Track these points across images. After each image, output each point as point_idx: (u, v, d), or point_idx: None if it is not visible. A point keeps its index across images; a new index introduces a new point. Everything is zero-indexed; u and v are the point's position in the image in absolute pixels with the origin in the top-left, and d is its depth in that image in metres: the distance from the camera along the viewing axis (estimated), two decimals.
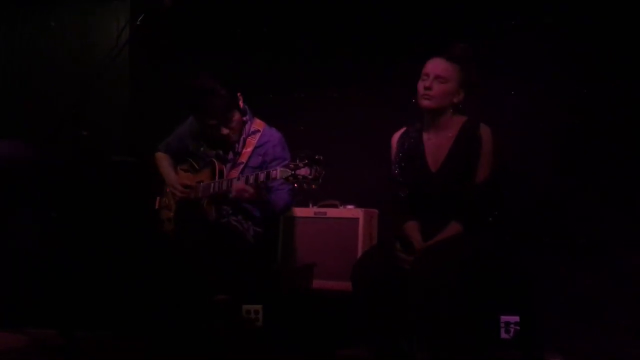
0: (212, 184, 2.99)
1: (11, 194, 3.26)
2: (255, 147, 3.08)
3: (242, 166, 3.06)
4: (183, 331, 2.80)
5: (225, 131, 3.01)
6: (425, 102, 2.59)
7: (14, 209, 3.24)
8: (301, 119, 3.78)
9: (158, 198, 3.23)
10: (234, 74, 3.62)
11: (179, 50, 3.94)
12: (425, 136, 2.70)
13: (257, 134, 3.11)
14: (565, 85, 3.22)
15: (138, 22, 2.62)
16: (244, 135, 3.10)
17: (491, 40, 3.27)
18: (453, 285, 2.34)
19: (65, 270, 3.07)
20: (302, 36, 3.80)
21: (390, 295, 2.45)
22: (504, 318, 2.58)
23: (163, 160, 3.25)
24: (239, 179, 2.89)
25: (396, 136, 2.80)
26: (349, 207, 3.42)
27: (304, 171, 2.54)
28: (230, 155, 3.10)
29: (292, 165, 2.57)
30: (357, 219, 3.32)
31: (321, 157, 2.53)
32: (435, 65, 2.60)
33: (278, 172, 2.66)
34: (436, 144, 2.65)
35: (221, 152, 3.11)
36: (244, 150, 3.09)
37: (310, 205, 3.49)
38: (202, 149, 3.15)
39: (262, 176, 2.74)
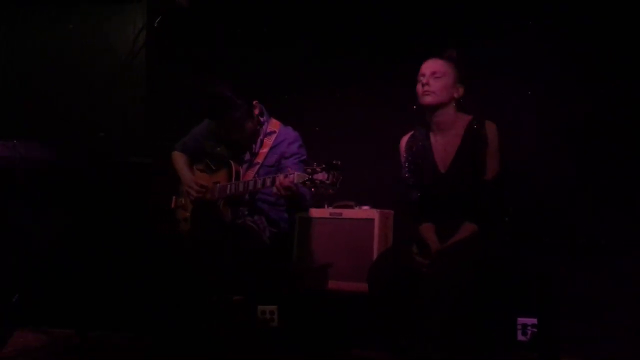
0: (229, 186, 3.00)
1: (29, 195, 3.29)
2: (272, 147, 3.09)
3: (258, 167, 3.08)
4: (198, 331, 2.81)
5: (238, 136, 3.03)
6: (427, 99, 2.62)
7: (32, 210, 3.27)
8: (317, 119, 3.79)
9: (174, 197, 3.25)
10: (250, 74, 3.65)
11: (195, 52, 3.96)
12: (432, 138, 2.71)
13: (273, 135, 3.12)
14: (565, 84, 3.21)
15: (156, 24, 2.64)
16: (260, 136, 3.11)
17: (495, 39, 3.29)
18: (470, 287, 2.33)
19: (83, 270, 3.10)
20: (319, 36, 3.80)
21: (407, 297, 2.44)
22: (520, 320, 2.56)
23: (179, 160, 3.27)
24: (255, 180, 2.90)
25: (404, 140, 2.82)
26: (365, 207, 3.41)
27: (321, 176, 2.55)
28: (247, 156, 3.11)
29: (309, 170, 2.58)
30: (373, 219, 3.30)
31: (339, 162, 2.55)
32: (429, 64, 2.66)
33: (295, 176, 2.66)
34: (443, 145, 2.67)
35: (237, 153, 3.12)
36: (260, 151, 3.11)
37: (326, 205, 3.48)
38: (218, 149, 3.16)
39: (281, 177, 2.74)
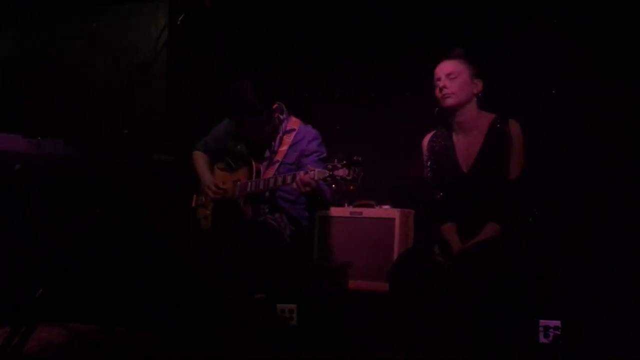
0: (249, 183, 3.01)
1: (54, 192, 3.33)
2: (291, 145, 3.09)
3: (278, 164, 3.08)
4: (218, 329, 2.82)
5: (257, 136, 3.05)
6: (448, 101, 2.60)
7: (57, 206, 3.30)
8: (337, 118, 3.78)
9: (195, 196, 3.27)
10: (271, 72, 3.65)
11: (217, 50, 3.98)
12: (454, 137, 2.69)
13: (293, 132, 3.12)
14: (582, 84, 3.18)
15: (178, 22, 2.65)
16: (280, 134, 3.11)
17: (515, 36, 3.26)
18: (492, 288, 2.31)
19: (106, 267, 3.12)
20: (342, 35, 3.80)
21: (429, 298, 2.43)
22: (542, 322, 2.53)
23: (200, 159, 3.29)
24: (275, 177, 2.90)
25: (426, 139, 2.80)
26: (385, 207, 3.40)
27: (342, 172, 2.55)
28: (267, 154, 3.12)
29: (330, 166, 2.58)
30: (393, 219, 3.29)
31: (359, 158, 2.54)
32: (442, 67, 2.65)
33: (316, 172, 2.66)
34: (466, 144, 2.65)
35: (257, 151, 3.12)
36: (280, 149, 3.11)
37: (346, 204, 3.48)
38: (238, 147, 3.17)
39: (301, 174, 2.74)
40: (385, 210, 3.36)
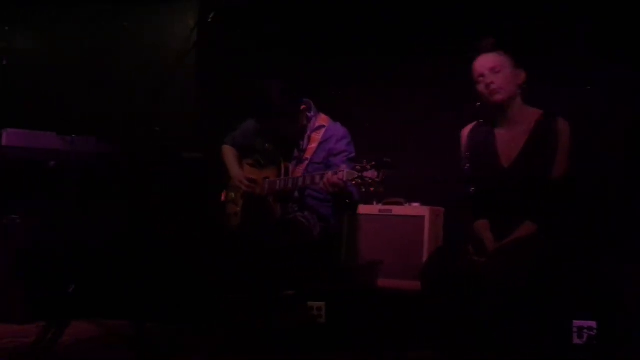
0: (278, 181, 3.00)
1: (86, 188, 3.38)
2: (320, 143, 3.07)
3: (306, 163, 3.06)
4: (249, 326, 2.82)
5: (284, 136, 3.05)
6: (497, 97, 2.52)
7: (89, 203, 3.35)
8: (366, 114, 3.76)
9: (224, 192, 3.27)
10: (299, 69, 3.65)
11: (246, 47, 3.99)
12: (497, 131, 2.61)
13: (322, 130, 3.09)
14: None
15: (209, 20, 2.66)
16: (308, 132, 3.10)
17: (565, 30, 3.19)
18: (526, 288, 2.27)
19: (138, 262, 3.15)
20: (370, 32, 3.78)
21: (461, 297, 2.39)
22: (577, 323, 2.49)
23: (229, 153, 3.28)
24: (303, 176, 2.89)
25: (466, 130, 2.71)
26: (415, 204, 3.37)
27: (371, 173, 2.52)
28: (295, 153, 3.11)
29: (359, 167, 2.56)
30: (423, 217, 3.27)
31: (389, 160, 2.51)
32: (483, 62, 2.55)
33: (345, 173, 2.64)
34: (509, 139, 2.56)
35: (286, 149, 3.12)
36: (308, 147, 3.09)
37: (375, 202, 3.46)
38: (266, 145, 3.17)
39: (330, 174, 2.72)
40: (415, 208, 3.34)
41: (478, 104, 2.60)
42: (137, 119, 2.90)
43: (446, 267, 2.45)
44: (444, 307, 2.39)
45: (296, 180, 2.92)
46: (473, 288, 2.34)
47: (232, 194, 3.23)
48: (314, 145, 3.08)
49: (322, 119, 3.14)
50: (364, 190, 2.58)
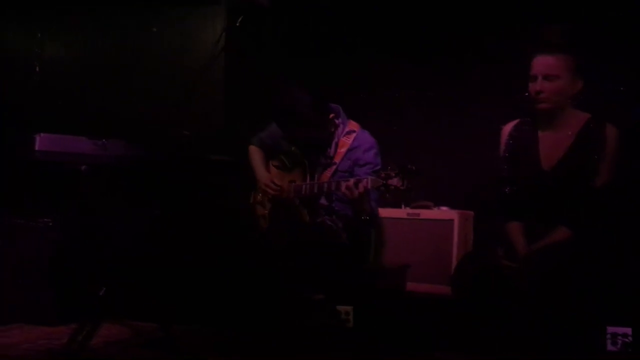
0: (304, 186, 2.99)
1: (116, 191, 3.41)
2: (348, 150, 3.04)
3: (334, 168, 3.04)
4: (276, 328, 2.82)
5: (309, 142, 3.03)
6: (541, 106, 2.44)
7: (119, 206, 3.39)
8: (394, 118, 3.75)
9: (252, 193, 3.27)
10: (328, 73, 3.64)
11: (274, 50, 4.00)
12: (540, 131, 2.52)
13: (352, 134, 3.06)
14: None
15: (238, 24, 2.67)
16: (335, 139, 3.07)
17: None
18: (558, 294, 2.22)
19: (166, 265, 3.18)
20: (398, 37, 3.76)
21: (492, 301, 2.35)
22: (610, 329, 2.43)
23: (255, 155, 3.27)
24: (329, 182, 2.88)
25: (507, 128, 2.62)
26: (443, 208, 3.35)
27: (395, 181, 2.48)
28: (322, 159, 3.09)
29: (383, 175, 2.52)
30: (452, 220, 3.25)
31: (413, 167, 2.46)
32: (541, 64, 2.44)
33: (369, 181, 2.61)
34: (553, 141, 2.48)
35: (313, 153, 3.11)
36: (338, 151, 3.07)
37: (403, 206, 3.44)
38: (292, 149, 3.16)
39: (351, 182, 2.70)
40: (444, 212, 3.32)
41: (526, 94, 2.50)
42: (166, 123, 2.93)
43: (477, 272, 2.41)
44: (475, 312, 2.36)
45: (322, 186, 2.91)
46: (504, 293, 2.30)
47: (260, 195, 3.23)
48: (343, 149, 3.05)
49: (352, 125, 3.12)
50: (388, 196, 2.55)
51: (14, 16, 4.32)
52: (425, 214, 3.35)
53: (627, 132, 2.44)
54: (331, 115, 3.02)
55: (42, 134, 3.29)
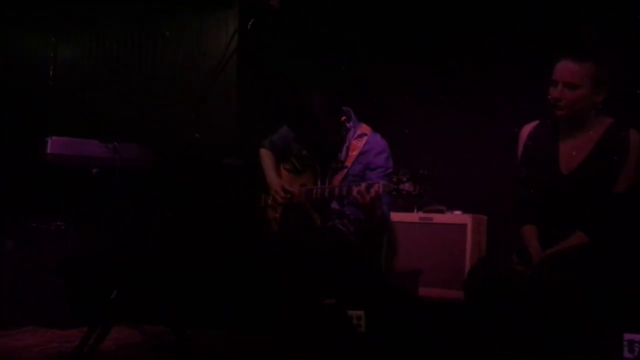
0: (314, 190, 2.97)
1: (128, 194, 3.41)
2: (360, 154, 3.02)
3: (345, 172, 3.02)
4: (287, 333, 2.81)
5: (321, 145, 3.01)
6: (558, 112, 2.38)
7: (131, 209, 3.39)
8: (406, 122, 3.72)
9: (263, 196, 3.26)
10: (340, 76, 3.63)
11: (286, 53, 4.00)
12: (560, 134, 2.45)
13: (364, 138, 3.05)
14: None
15: (249, 27, 2.67)
16: (347, 143, 3.05)
17: None
18: (573, 300, 2.18)
19: (178, 268, 3.17)
20: (412, 40, 3.74)
21: (507, 309, 2.31)
22: (627, 336, 2.38)
23: (266, 158, 3.26)
24: (340, 186, 2.86)
25: (526, 129, 2.55)
26: (456, 212, 3.32)
27: (407, 186, 2.47)
28: (333, 164, 3.07)
29: (395, 179, 2.50)
30: (465, 225, 3.22)
31: (425, 172, 2.44)
32: (563, 71, 2.35)
33: (381, 186, 2.59)
34: (573, 145, 2.41)
35: (324, 156, 3.09)
36: (349, 154, 3.05)
37: (416, 210, 3.42)
38: (303, 152, 3.14)
39: (363, 187, 2.68)
40: (457, 216, 3.28)
41: (548, 97, 2.41)
42: (178, 126, 2.93)
43: (491, 278, 2.37)
44: (488, 318, 2.32)
45: (333, 190, 2.89)
46: (518, 300, 2.26)
47: (270, 199, 3.22)
48: (354, 153, 3.03)
49: (364, 128, 3.10)
50: (400, 201, 2.53)
51: (29, 20, 4.36)
52: (438, 218, 3.32)
53: None
54: (343, 118, 3.00)
55: (53, 137, 3.30)
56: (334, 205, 3.01)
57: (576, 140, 2.42)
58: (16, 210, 3.47)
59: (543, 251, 2.36)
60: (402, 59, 3.76)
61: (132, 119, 4.11)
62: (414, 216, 3.38)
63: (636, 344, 2.37)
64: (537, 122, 2.55)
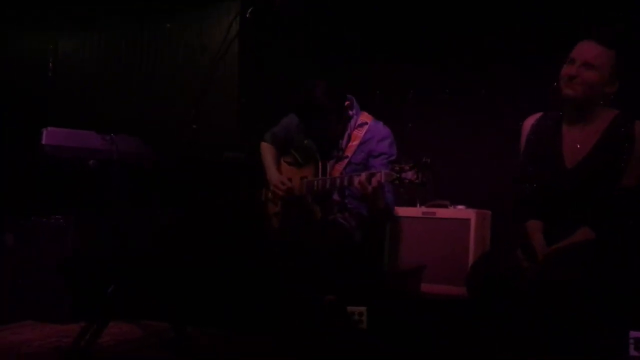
0: (315, 182, 2.93)
1: (127, 188, 3.39)
2: (361, 143, 2.98)
3: (346, 162, 2.98)
4: (288, 329, 2.78)
5: (325, 133, 2.98)
6: (567, 91, 2.30)
7: (130, 204, 3.37)
8: (410, 115, 3.68)
9: (264, 190, 3.22)
10: (343, 69, 3.59)
11: (286, 53, 3.96)
12: (564, 127, 2.40)
13: (364, 127, 3.01)
14: None
15: (248, 15, 2.64)
16: (348, 131, 3.01)
17: None
18: (579, 297, 2.13)
19: (179, 265, 3.15)
20: (416, 35, 3.70)
21: (510, 306, 2.26)
22: (633, 334, 2.34)
23: (267, 153, 3.22)
24: (341, 177, 2.82)
25: (529, 122, 2.50)
26: (460, 207, 3.26)
27: (410, 175, 2.42)
28: (335, 152, 3.04)
29: (397, 168, 2.46)
30: (469, 219, 3.16)
31: (428, 160, 2.40)
32: (585, 50, 2.29)
33: (383, 175, 2.55)
34: (577, 138, 2.35)
35: (325, 147, 3.05)
36: (349, 144, 3.01)
37: (418, 205, 3.36)
38: (305, 142, 3.11)
39: (363, 176, 2.64)
40: (460, 211, 3.23)
41: (555, 84, 2.36)
42: (178, 125, 2.91)
43: (494, 274, 2.32)
44: (490, 315, 2.28)
45: (334, 180, 2.85)
46: (522, 296, 2.21)
47: (271, 193, 3.18)
48: (355, 142, 3.00)
49: (365, 117, 3.06)
50: (402, 190, 2.49)
51: (29, 20, 4.35)
52: (441, 213, 3.26)
53: None
54: (347, 103, 2.97)
55: (49, 128, 3.26)
56: (335, 196, 2.98)
57: (580, 133, 2.36)
58: (16, 207, 3.45)
59: (548, 246, 2.31)
60: (402, 59, 3.72)
61: (132, 118, 4.10)
62: (417, 211, 3.32)
63: None
64: (540, 114, 2.50)
